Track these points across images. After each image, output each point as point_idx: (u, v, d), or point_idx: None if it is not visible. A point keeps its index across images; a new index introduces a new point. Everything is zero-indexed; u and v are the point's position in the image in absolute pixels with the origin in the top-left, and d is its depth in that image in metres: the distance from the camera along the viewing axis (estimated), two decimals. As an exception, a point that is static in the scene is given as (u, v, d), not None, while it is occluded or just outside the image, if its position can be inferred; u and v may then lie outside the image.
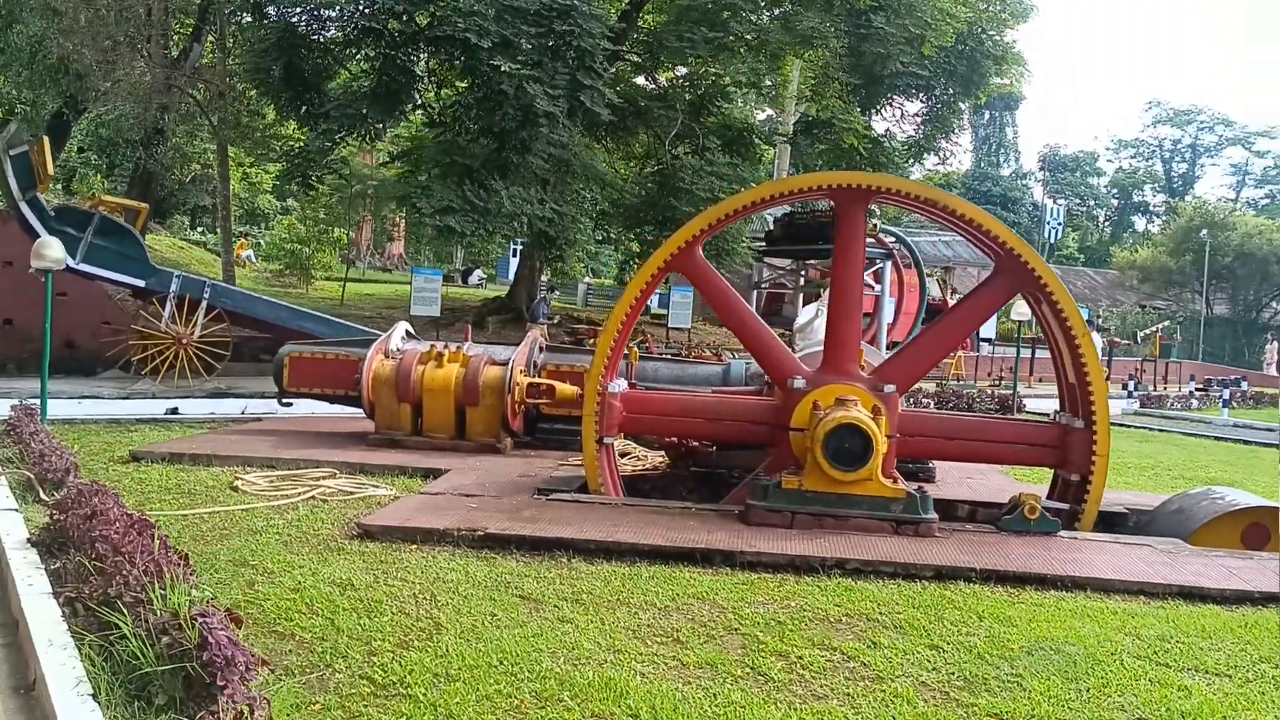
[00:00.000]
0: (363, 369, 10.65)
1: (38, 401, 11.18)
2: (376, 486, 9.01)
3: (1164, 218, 77.61)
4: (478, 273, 42.05)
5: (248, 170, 41.57)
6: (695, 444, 9.48)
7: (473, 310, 24.25)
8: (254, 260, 37.66)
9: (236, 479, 9.04)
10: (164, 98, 21.18)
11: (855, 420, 7.53)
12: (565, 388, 10.60)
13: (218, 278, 19.94)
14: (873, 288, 21.86)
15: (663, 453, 10.16)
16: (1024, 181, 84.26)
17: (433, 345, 10.94)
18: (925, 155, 22.70)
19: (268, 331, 17.20)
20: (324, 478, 9.34)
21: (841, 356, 8.41)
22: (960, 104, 23.21)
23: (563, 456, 10.53)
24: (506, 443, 10.68)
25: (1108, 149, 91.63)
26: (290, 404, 11.82)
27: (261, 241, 38.03)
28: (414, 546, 7.08)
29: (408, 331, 11.67)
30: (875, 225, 23.41)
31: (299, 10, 19.41)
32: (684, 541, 7.11)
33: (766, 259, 24.93)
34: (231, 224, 23.02)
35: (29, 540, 6.45)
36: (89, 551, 5.43)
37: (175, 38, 23.78)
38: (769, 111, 28.61)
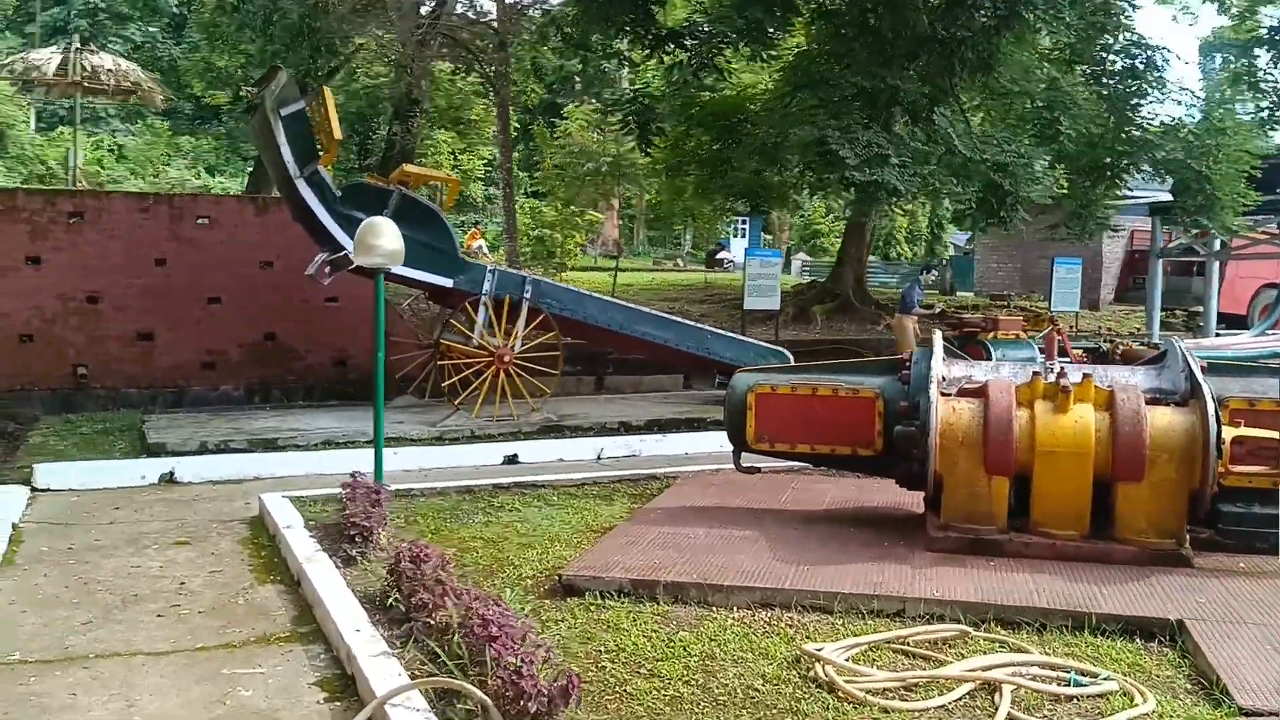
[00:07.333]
0: (927, 415, 6.11)
1: (358, 468, 7.26)
2: (1083, 673, 4.49)
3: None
4: (724, 254, 37.33)
5: (459, 156, 39.11)
6: None
7: (788, 300, 19.57)
8: (485, 250, 34.35)
9: (806, 655, 4.67)
10: (424, 59, 17.47)
11: None
12: (1309, 446, 5.85)
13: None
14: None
15: None
16: None
17: (1036, 373, 6.29)
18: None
19: (596, 340, 13.05)
20: (949, 639, 4.91)
21: None
22: None
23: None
24: (1187, 545, 5.97)
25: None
26: (758, 470, 7.44)
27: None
28: None
29: (946, 347, 7.06)
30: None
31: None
32: None
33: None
34: (515, 204, 19.02)
35: None
36: None
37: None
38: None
